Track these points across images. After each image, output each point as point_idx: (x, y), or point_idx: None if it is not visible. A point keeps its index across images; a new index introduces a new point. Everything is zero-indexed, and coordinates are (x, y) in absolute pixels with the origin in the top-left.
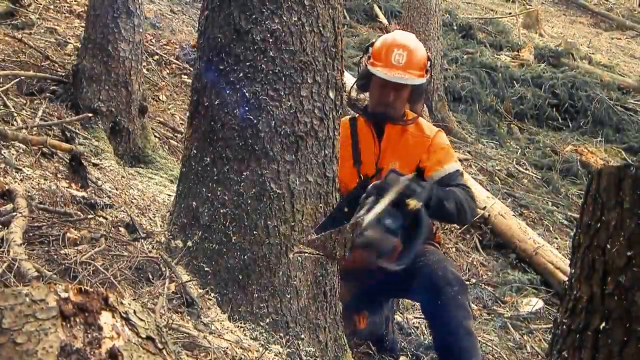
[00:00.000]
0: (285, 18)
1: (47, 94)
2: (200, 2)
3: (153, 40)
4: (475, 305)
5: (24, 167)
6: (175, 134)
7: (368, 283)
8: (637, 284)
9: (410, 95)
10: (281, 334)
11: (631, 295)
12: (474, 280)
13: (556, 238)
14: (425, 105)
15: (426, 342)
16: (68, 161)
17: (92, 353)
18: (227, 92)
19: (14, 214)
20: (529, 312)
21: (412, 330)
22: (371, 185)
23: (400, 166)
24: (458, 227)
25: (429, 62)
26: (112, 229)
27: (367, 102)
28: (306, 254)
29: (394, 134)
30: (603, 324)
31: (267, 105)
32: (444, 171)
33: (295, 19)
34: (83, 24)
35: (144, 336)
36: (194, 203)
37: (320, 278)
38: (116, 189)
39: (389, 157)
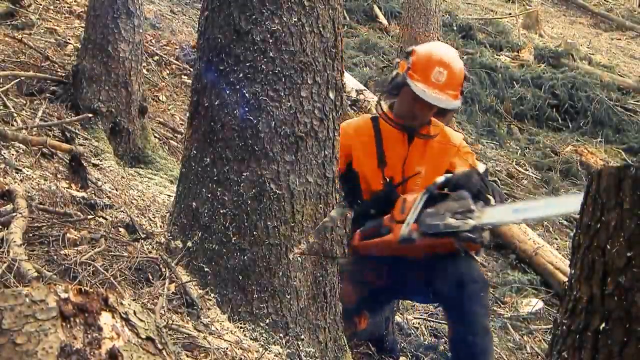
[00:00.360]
0: (285, 19)
1: (47, 95)
2: (200, 3)
3: (153, 41)
4: None
5: (24, 167)
6: (175, 135)
7: (396, 278)
8: (637, 284)
9: (439, 110)
10: (281, 335)
11: (631, 296)
12: None
13: (556, 238)
14: None
15: (426, 342)
16: (68, 161)
17: (92, 353)
18: (227, 92)
19: (14, 214)
20: (529, 312)
21: (412, 331)
22: (457, 179)
23: (426, 171)
24: None
25: (465, 82)
26: (112, 229)
27: (388, 105)
28: (306, 255)
29: (419, 140)
30: (603, 325)
31: (267, 105)
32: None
33: (295, 19)
34: (83, 25)
35: (143, 337)
36: (194, 203)
37: (320, 278)
38: (116, 190)
39: (415, 162)
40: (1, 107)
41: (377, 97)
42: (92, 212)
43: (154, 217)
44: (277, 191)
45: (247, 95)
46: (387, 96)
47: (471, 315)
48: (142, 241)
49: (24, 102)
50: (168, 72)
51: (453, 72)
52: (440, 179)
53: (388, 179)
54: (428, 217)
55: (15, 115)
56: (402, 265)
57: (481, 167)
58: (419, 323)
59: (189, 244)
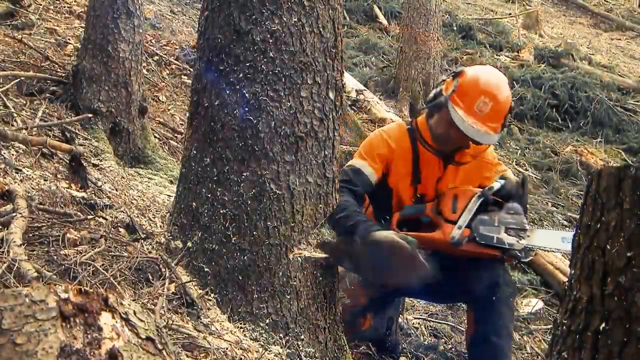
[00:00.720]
0: (285, 19)
1: (47, 95)
2: (200, 3)
3: (153, 41)
4: None
5: (24, 167)
6: (175, 135)
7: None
8: (636, 284)
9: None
10: (281, 335)
11: (631, 296)
12: None
13: None
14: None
15: (426, 342)
16: (68, 162)
17: (91, 354)
18: (227, 92)
19: (14, 214)
20: (529, 312)
21: (412, 331)
22: (511, 189)
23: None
24: None
25: (509, 114)
26: (112, 229)
27: (423, 120)
28: (306, 255)
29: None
30: (603, 325)
31: (267, 105)
32: None
33: (295, 19)
34: (83, 25)
35: (143, 337)
36: (194, 204)
37: (320, 279)
38: (116, 190)
39: (449, 181)
40: (1, 107)
41: (376, 97)
42: (92, 212)
43: (154, 217)
44: (277, 191)
45: (247, 95)
46: (427, 112)
47: (498, 316)
48: (142, 241)
49: (24, 102)
50: (168, 72)
51: (498, 103)
52: (496, 185)
53: (419, 196)
54: (482, 226)
55: (15, 115)
56: None
57: (511, 174)
58: (419, 323)
59: (189, 244)
